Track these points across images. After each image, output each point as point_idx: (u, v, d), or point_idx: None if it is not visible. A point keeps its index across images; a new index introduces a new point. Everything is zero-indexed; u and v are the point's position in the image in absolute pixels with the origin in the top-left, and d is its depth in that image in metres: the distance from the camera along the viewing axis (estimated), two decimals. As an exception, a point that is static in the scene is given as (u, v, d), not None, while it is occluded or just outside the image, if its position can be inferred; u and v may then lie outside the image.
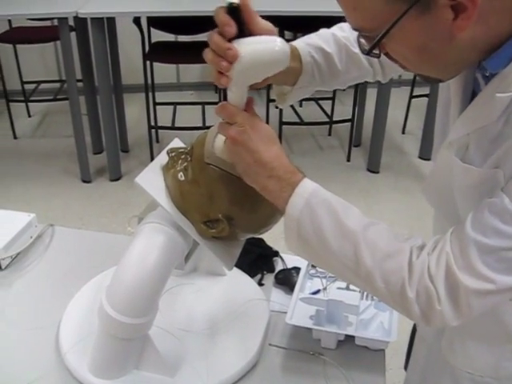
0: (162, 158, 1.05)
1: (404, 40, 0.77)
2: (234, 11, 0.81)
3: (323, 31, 1.11)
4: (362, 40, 0.83)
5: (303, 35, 1.09)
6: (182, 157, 1.02)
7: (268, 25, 0.88)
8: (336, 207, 0.86)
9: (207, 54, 0.85)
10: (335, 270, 0.89)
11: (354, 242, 0.83)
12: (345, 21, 0.89)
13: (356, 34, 0.86)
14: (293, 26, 3.80)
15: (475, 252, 0.77)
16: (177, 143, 1.11)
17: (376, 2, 0.73)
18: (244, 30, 0.83)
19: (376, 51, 0.80)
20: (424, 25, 0.73)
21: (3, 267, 1.39)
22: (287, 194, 0.87)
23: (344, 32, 1.10)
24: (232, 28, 0.81)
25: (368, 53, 0.81)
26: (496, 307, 0.96)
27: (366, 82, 1.17)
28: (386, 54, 0.83)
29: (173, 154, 1.03)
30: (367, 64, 1.11)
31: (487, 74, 0.82)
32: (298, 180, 0.88)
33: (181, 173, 1.00)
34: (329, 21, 1.17)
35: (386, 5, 0.73)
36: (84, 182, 3.90)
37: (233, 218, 0.97)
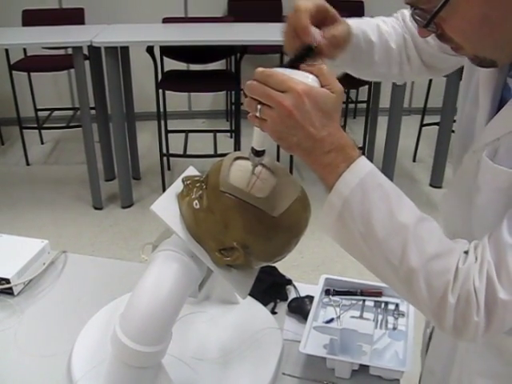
0: (177, 186, 1.05)
1: (464, 10, 0.74)
2: (310, 51, 0.87)
3: (369, 20, 1.11)
4: (418, 17, 0.80)
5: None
6: (197, 185, 1.02)
7: None
8: (391, 195, 0.81)
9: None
10: (370, 262, 0.83)
11: (404, 236, 0.78)
12: None
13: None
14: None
15: None
16: (192, 171, 1.11)
17: None
18: (296, 67, 0.83)
19: (432, 28, 0.78)
20: None
21: (16, 293, 1.39)
22: (341, 170, 0.80)
23: (387, 26, 1.11)
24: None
25: (426, 25, 0.78)
26: (506, 347, 0.96)
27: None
28: (441, 36, 0.80)
29: (188, 182, 1.04)
30: (398, 62, 1.12)
31: None
32: (355, 156, 0.81)
33: (196, 201, 1.00)
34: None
35: None
36: (96, 208, 3.92)
37: (248, 246, 0.97)
